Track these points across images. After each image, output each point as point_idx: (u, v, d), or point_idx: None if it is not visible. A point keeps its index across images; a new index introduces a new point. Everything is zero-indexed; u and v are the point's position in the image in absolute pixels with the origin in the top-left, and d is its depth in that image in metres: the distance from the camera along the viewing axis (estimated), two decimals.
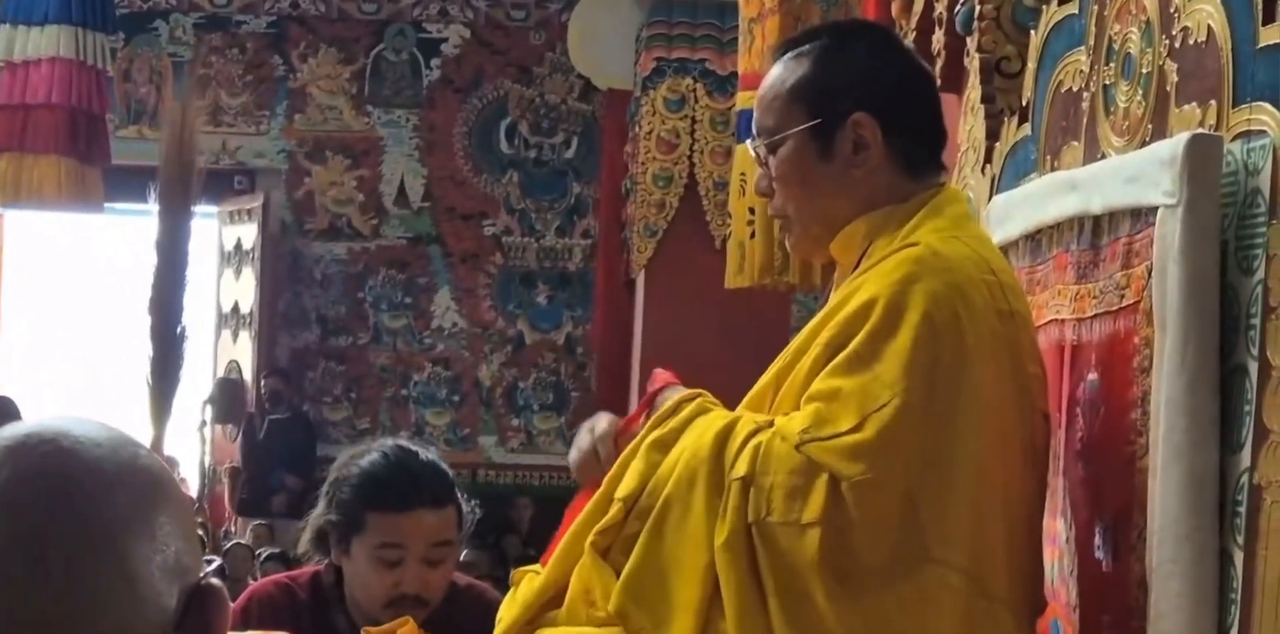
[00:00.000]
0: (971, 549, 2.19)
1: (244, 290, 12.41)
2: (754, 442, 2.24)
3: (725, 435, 2.28)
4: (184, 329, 3.27)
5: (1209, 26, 2.24)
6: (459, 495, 3.11)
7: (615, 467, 2.38)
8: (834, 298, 2.37)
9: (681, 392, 2.43)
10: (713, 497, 2.24)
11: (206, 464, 12.53)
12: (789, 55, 2.49)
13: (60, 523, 1.17)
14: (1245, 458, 2.05)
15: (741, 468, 2.23)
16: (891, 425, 2.17)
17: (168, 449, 13.96)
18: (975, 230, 2.45)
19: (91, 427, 1.24)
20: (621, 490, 2.32)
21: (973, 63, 3.29)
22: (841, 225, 2.43)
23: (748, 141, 2.57)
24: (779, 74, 2.48)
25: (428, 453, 3.13)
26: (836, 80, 2.43)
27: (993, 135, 3.16)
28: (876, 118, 2.40)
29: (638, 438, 2.38)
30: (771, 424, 2.27)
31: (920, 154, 2.46)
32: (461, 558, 7.98)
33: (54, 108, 8.56)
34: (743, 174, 5.74)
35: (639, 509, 2.30)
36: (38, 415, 1.31)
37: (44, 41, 8.59)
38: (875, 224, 2.41)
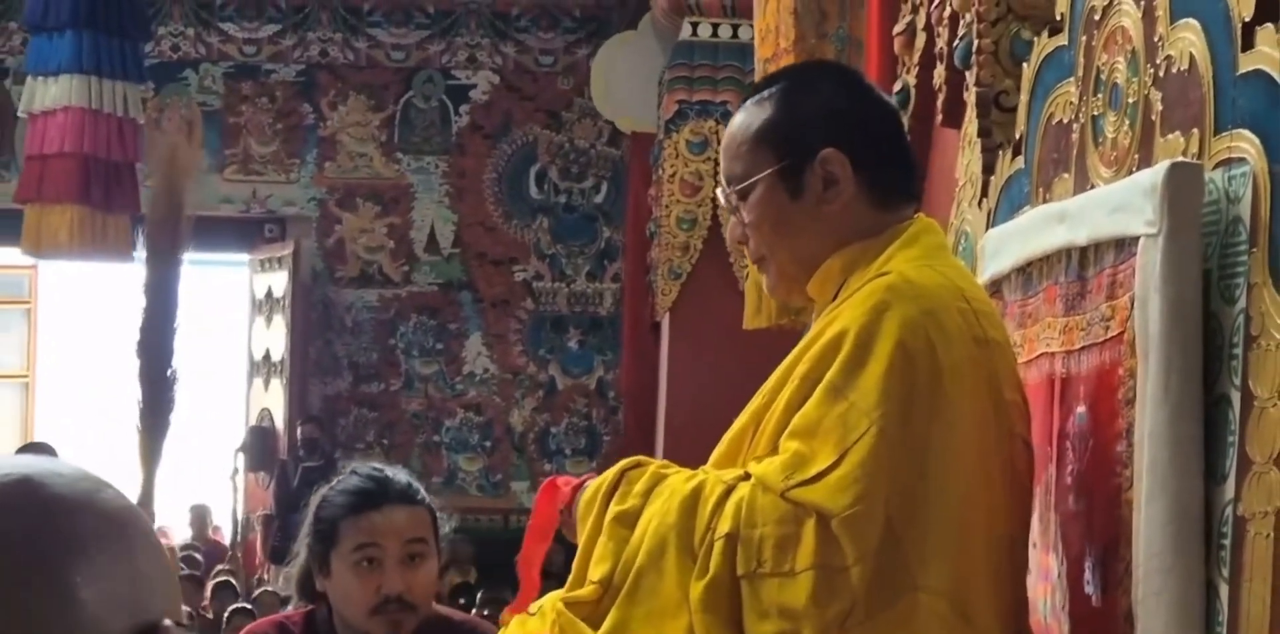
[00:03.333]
0: (954, 574, 2.16)
1: (275, 338, 12.44)
2: (734, 498, 2.21)
3: (694, 498, 2.25)
4: (174, 372, 3.29)
5: (1191, 54, 2.23)
6: (430, 502, 3.12)
7: (582, 546, 2.37)
8: (810, 331, 2.35)
9: (615, 468, 2.42)
10: (685, 560, 2.22)
11: (239, 512, 12.54)
12: (751, 101, 2.46)
13: (4, 543, 1.18)
14: (1229, 489, 2.03)
15: (725, 525, 2.20)
16: (871, 454, 2.15)
17: (201, 498, 13.88)
18: (949, 260, 2.43)
19: (58, 464, 1.25)
20: (595, 573, 2.30)
21: (970, 96, 3.28)
22: (818, 264, 2.39)
23: (717, 191, 2.54)
24: (743, 120, 2.45)
25: (399, 471, 3.16)
26: (800, 119, 2.40)
27: (989, 169, 3.14)
28: (845, 152, 2.37)
29: (595, 514, 2.36)
30: (747, 476, 2.24)
31: (891, 186, 2.42)
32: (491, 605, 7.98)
33: (68, 156, 8.61)
34: None
35: (614, 587, 2.28)
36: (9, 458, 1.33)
37: (58, 91, 8.66)
38: (850, 259, 2.37)
